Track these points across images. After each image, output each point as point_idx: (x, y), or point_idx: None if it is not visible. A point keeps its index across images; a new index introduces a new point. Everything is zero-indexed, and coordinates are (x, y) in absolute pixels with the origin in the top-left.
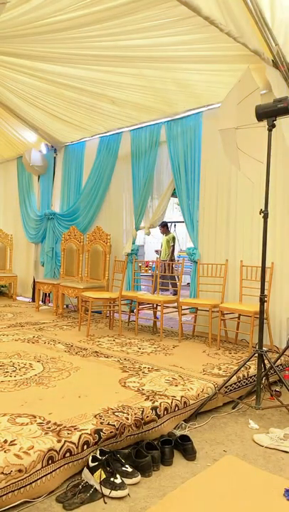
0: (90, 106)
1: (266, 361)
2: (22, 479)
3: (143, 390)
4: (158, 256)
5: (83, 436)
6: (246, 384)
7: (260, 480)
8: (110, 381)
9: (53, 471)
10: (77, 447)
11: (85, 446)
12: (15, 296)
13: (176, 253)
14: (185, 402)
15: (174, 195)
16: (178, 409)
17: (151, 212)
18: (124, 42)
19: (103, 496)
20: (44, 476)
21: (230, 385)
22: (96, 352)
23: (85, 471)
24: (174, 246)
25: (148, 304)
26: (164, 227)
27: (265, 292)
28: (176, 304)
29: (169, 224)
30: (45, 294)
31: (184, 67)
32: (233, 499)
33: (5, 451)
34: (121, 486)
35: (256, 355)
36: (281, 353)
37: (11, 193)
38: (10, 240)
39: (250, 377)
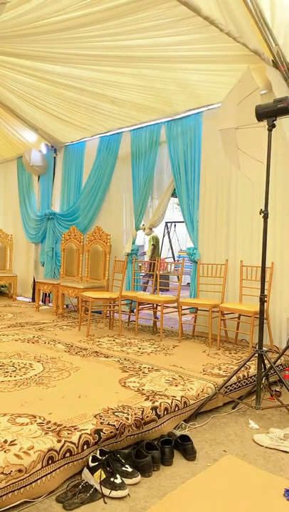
0: (90, 106)
1: (266, 361)
2: (22, 479)
3: (143, 390)
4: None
5: (83, 436)
6: (246, 384)
7: (260, 480)
8: (110, 381)
9: (53, 471)
10: (77, 447)
11: (85, 446)
12: (15, 296)
13: (175, 253)
14: (185, 402)
15: (174, 195)
16: (178, 409)
17: (151, 212)
18: (124, 42)
19: (103, 496)
20: (44, 476)
21: (231, 385)
22: (96, 352)
23: (85, 471)
24: (154, 245)
25: (148, 304)
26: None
27: (265, 292)
28: (176, 304)
29: (168, 224)
30: (45, 294)
31: (183, 67)
32: (233, 499)
33: (5, 451)
34: (121, 486)
35: (256, 355)
36: (281, 353)
37: (11, 193)
38: (10, 240)
39: (250, 377)
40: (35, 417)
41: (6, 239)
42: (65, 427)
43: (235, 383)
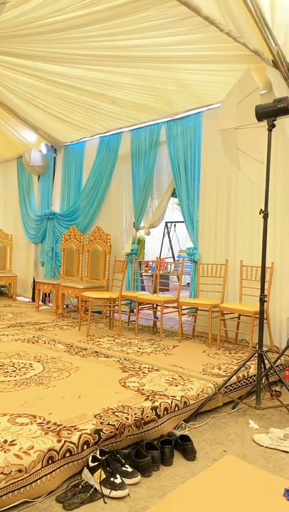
0: (90, 106)
1: (266, 361)
2: (22, 479)
3: (143, 390)
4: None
5: (83, 436)
6: (246, 384)
7: (260, 480)
8: (110, 381)
9: (53, 471)
10: (77, 447)
11: (85, 446)
12: (15, 296)
13: (175, 253)
14: (185, 402)
15: (174, 195)
16: (178, 409)
17: (151, 212)
18: (124, 42)
19: (103, 496)
20: (44, 476)
21: (230, 385)
22: (96, 352)
23: (85, 471)
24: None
25: (148, 304)
26: None
27: (265, 292)
28: (176, 304)
29: (168, 224)
30: (45, 294)
31: (183, 67)
32: (233, 499)
33: (5, 451)
34: (121, 486)
35: (256, 355)
36: (281, 353)
37: (11, 193)
38: (10, 240)
39: (250, 377)
40: (35, 417)
41: (6, 239)
42: (65, 427)
43: (235, 383)
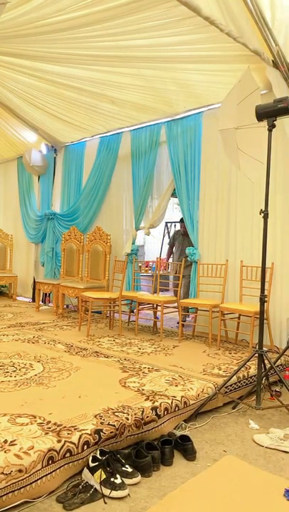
0: (90, 106)
1: (266, 361)
2: (22, 479)
3: (143, 390)
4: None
5: (83, 437)
6: (246, 384)
7: (260, 480)
8: (110, 381)
9: (53, 471)
10: (77, 447)
11: (85, 447)
12: (15, 296)
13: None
14: (185, 402)
15: (174, 195)
16: (178, 410)
17: (151, 212)
18: (124, 42)
19: (103, 496)
20: (44, 476)
21: (231, 385)
22: (96, 352)
23: (85, 471)
24: None
25: (148, 304)
26: None
27: (265, 292)
28: (176, 304)
29: (168, 224)
30: (45, 294)
31: (184, 67)
32: (233, 499)
33: (5, 451)
34: (121, 486)
35: (256, 355)
36: (281, 353)
37: (11, 193)
38: (10, 240)
39: (251, 377)
40: (35, 417)
41: (6, 239)
42: (65, 427)
43: (235, 383)
